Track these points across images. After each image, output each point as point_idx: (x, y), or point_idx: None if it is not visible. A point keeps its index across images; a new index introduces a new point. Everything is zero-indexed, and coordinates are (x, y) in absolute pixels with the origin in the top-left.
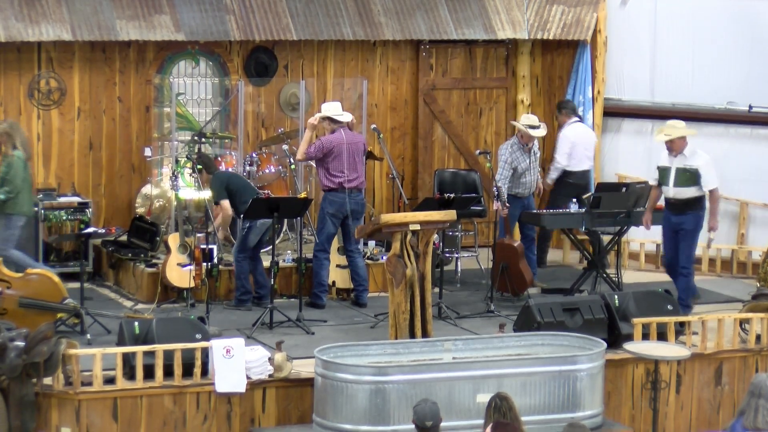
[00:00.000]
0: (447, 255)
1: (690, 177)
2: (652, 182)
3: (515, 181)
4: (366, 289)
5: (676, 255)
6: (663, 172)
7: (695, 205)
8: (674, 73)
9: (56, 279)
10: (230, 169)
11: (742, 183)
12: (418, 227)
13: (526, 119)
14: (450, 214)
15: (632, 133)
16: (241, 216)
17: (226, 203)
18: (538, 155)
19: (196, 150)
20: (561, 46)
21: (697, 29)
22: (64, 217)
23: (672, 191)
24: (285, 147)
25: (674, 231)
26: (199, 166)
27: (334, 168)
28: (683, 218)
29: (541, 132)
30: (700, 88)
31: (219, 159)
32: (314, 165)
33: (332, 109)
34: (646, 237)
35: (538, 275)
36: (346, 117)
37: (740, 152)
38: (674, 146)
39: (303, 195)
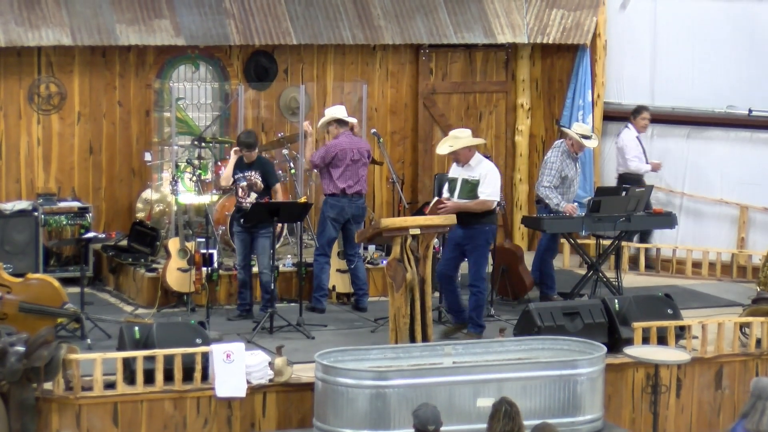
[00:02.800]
0: None
1: (473, 188)
2: (445, 195)
3: (561, 191)
4: (366, 293)
5: (451, 268)
6: (451, 183)
7: (482, 218)
8: (674, 77)
9: (56, 284)
10: None
11: (741, 186)
12: (418, 231)
13: (578, 128)
14: (450, 218)
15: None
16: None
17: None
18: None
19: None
20: (561, 50)
21: (697, 33)
22: (65, 222)
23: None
24: (285, 151)
25: (457, 244)
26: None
27: (336, 173)
28: (470, 232)
29: (594, 143)
30: (700, 92)
31: (219, 164)
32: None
33: (338, 112)
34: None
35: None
36: (351, 121)
37: (740, 156)
38: (460, 157)
39: (303, 199)
